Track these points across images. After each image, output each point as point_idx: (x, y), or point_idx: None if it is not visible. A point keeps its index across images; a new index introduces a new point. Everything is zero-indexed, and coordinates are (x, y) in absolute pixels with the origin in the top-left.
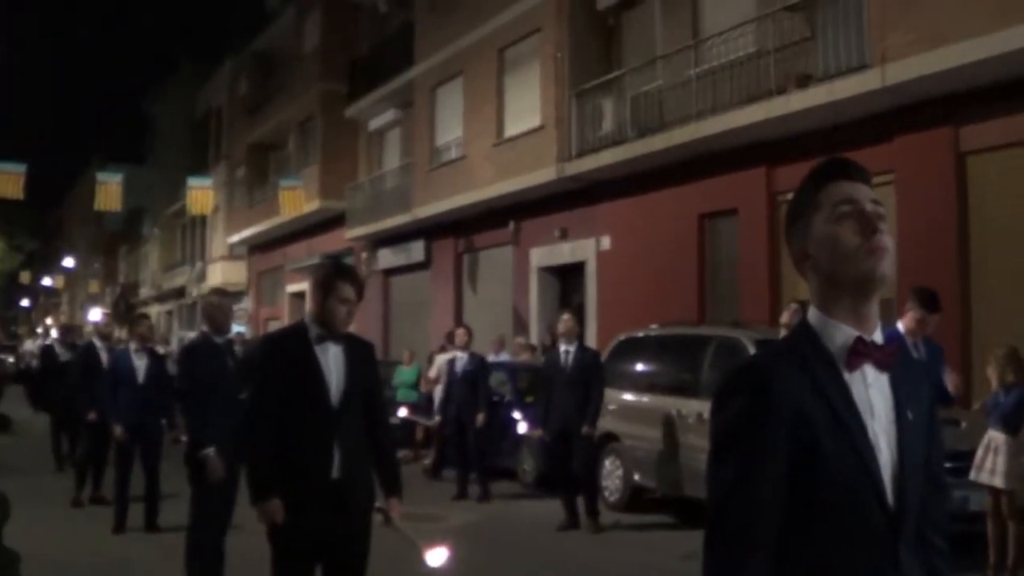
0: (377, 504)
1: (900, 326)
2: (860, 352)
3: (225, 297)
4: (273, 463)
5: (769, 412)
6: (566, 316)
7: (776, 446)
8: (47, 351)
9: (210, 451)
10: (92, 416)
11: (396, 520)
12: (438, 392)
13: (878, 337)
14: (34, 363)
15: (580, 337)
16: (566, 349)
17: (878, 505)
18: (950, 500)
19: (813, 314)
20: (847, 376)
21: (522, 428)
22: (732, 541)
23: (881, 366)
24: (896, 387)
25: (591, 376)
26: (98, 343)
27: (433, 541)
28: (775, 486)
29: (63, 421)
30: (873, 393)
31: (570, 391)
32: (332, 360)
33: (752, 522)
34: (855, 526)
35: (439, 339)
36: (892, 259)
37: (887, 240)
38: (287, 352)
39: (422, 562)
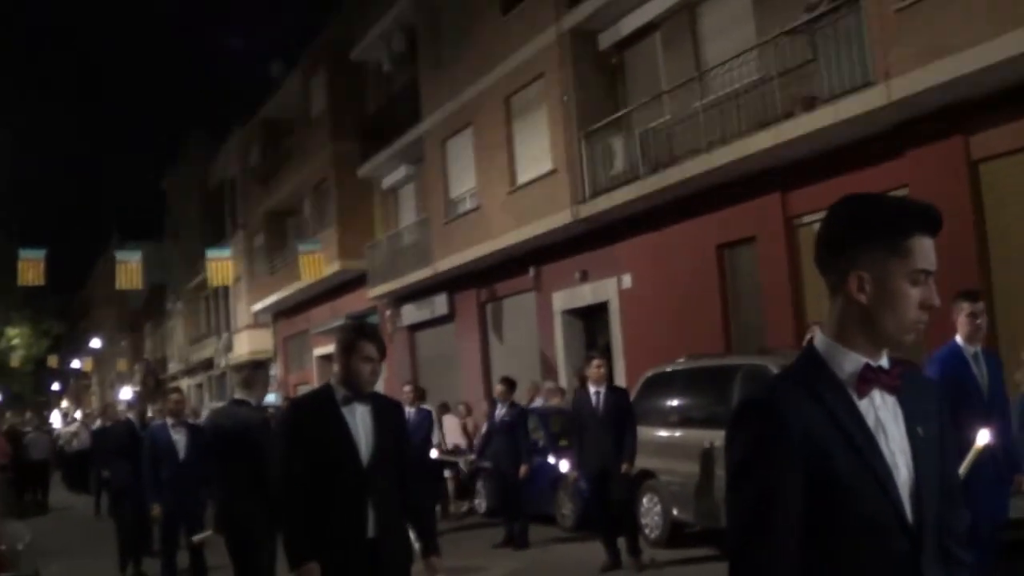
0: None
1: (958, 338)
2: (869, 378)
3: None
4: (307, 527)
5: (781, 440)
6: (597, 361)
7: (791, 473)
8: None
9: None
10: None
11: None
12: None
13: (884, 362)
14: (75, 443)
15: (609, 378)
16: (596, 391)
17: (898, 524)
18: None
19: (821, 340)
20: (857, 400)
21: (564, 467)
22: (754, 570)
23: (889, 389)
24: (905, 406)
25: (624, 415)
26: (135, 420)
27: None
28: (792, 512)
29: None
30: (884, 414)
31: (604, 432)
32: (360, 420)
33: (773, 550)
34: (877, 546)
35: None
36: None
37: None
38: (315, 415)
39: None
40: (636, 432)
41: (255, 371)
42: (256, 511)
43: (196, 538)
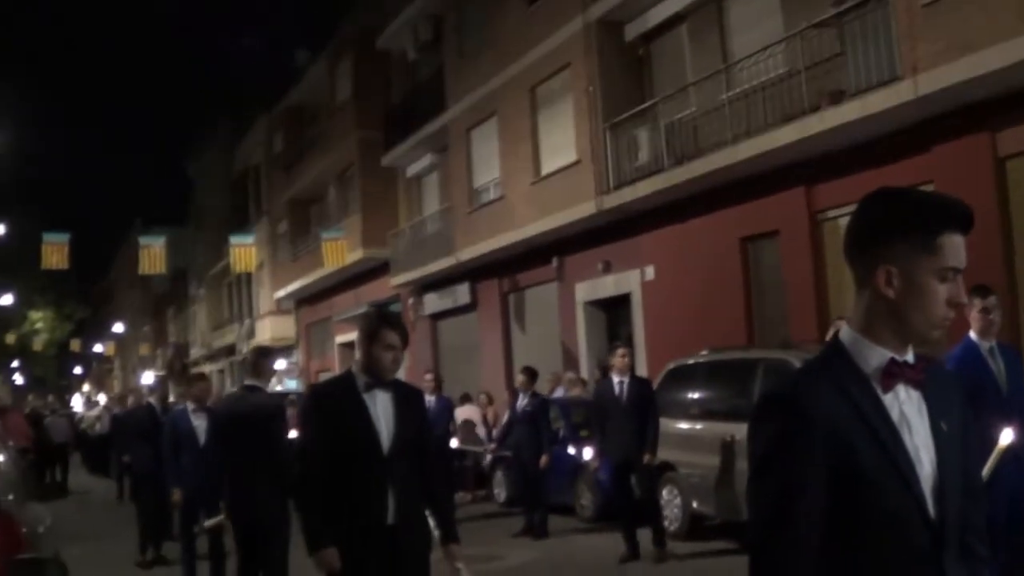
0: (459, 565)
1: (972, 334)
2: (894, 373)
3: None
4: (327, 512)
5: (804, 434)
6: (621, 351)
7: (813, 467)
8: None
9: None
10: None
11: (463, 570)
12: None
13: (910, 357)
14: (97, 427)
15: (631, 368)
16: (620, 380)
17: (921, 519)
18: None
19: (847, 334)
20: (881, 394)
21: (586, 455)
22: (775, 565)
23: (914, 384)
24: (929, 401)
25: (647, 405)
26: (156, 405)
27: None
28: (814, 506)
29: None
30: (908, 409)
31: (627, 422)
32: (381, 407)
33: (794, 544)
34: (899, 541)
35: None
36: None
37: None
38: (336, 402)
39: None
40: (659, 422)
41: (261, 357)
42: (267, 498)
43: (208, 523)
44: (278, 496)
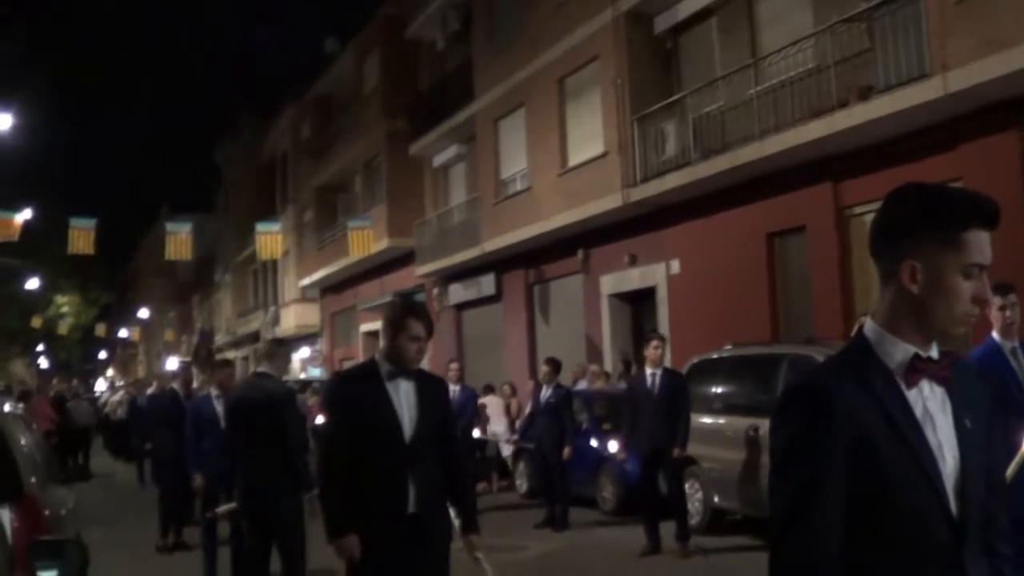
0: (478, 555)
1: (994, 334)
2: (918, 368)
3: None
4: (348, 499)
5: (829, 427)
6: (655, 343)
7: (837, 459)
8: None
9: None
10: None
11: (483, 560)
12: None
13: (934, 352)
14: (120, 411)
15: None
16: (652, 372)
17: (942, 515)
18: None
19: (871, 328)
20: (905, 390)
21: (612, 447)
22: (796, 557)
23: (938, 380)
24: (954, 397)
25: (679, 398)
26: (180, 391)
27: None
28: (837, 498)
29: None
30: (932, 405)
31: (659, 414)
32: (404, 396)
33: (816, 535)
34: (919, 537)
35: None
36: None
37: None
38: (359, 389)
39: None
40: (690, 416)
41: (277, 346)
42: (275, 484)
43: (220, 509)
44: (287, 483)
